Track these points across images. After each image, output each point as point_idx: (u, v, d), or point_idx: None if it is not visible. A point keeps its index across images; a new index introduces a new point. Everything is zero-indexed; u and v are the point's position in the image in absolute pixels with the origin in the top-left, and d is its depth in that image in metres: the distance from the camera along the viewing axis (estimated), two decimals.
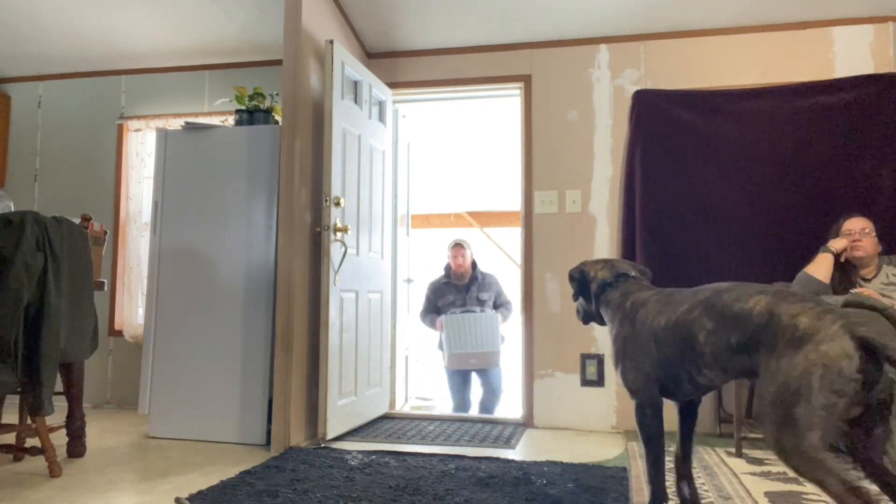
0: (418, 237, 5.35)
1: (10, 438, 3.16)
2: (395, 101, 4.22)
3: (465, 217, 7.29)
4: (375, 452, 3.03)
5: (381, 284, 3.91)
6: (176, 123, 4.35)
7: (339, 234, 3.31)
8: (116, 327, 4.48)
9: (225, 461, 2.92)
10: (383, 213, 3.96)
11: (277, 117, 3.65)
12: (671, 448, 3.09)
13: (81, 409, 3.01)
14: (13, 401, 3.54)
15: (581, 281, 2.35)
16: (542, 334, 3.84)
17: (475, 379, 4.87)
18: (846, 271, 3.12)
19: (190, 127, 3.59)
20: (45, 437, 2.63)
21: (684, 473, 2.17)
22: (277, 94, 3.66)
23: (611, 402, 3.71)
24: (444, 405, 5.22)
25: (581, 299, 2.38)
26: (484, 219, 7.27)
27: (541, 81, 3.98)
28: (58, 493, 2.42)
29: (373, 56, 4.20)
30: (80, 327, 2.84)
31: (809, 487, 2.48)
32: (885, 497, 1.61)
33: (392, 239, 4.21)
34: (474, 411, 4.79)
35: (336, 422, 3.27)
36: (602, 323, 2.35)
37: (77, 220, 3.01)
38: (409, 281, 4.68)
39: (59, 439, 3.01)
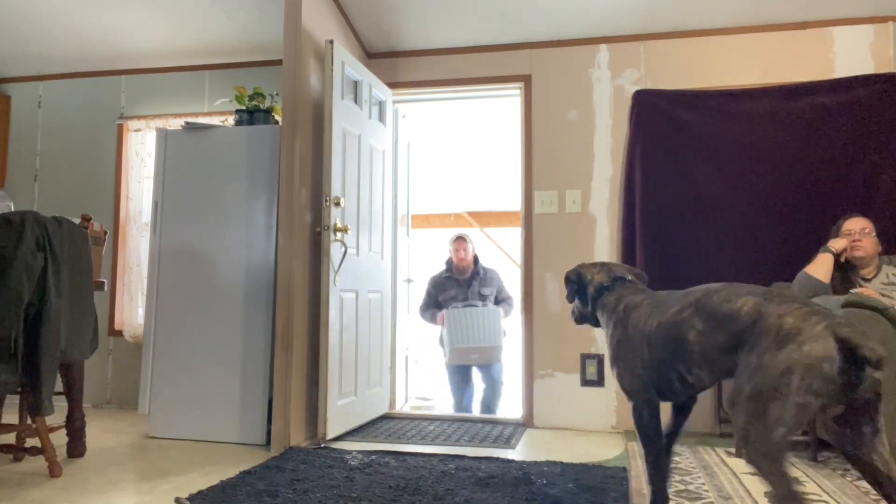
0: (418, 237, 5.35)
1: (10, 438, 3.16)
2: (395, 101, 4.22)
3: (465, 217, 7.29)
4: (375, 452, 3.03)
5: (381, 284, 3.91)
6: (176, 123, 4.35)
7: (339, 234, 3.31)
8: (116, 327, 4.48)
9: (225, 461, 2.92)
10: (383, 213, 3.96)
11: (277, 117, 3.65)
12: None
13: (81, 409, 3.02)
14: (13, 401, 3.54)
15: (578, 284, 2.38)
16: (542, 334, 3.84)
17: (476, 375, 4.84)
18: (846, 271, 3.12)
19: (190, 127, 3.59)
20: (45, 437, 2.63)
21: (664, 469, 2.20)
22: (277, 94, 3.66)
23: (611, 402, 3.71)
24: (444, 405, 5.21)
25: (577, 301, 2.41)
26: (484, 219, 7.27)
27: (541, 81, 3.98)
28: (58, 493, 2.42)
29: (373, 56, 4.20)
30: (80, 327, 2.84)
31: (809, 487, 2.48)
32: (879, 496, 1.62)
33: (392, 239, 4.21)
34: (475, 410, 4.78)
35: (336, 422, 3.27)
36: (596, 325, 2.38)
37: (77, 220, 3.01)
38: (409, 281, 4.68)
39: (59, 439, 3.01)
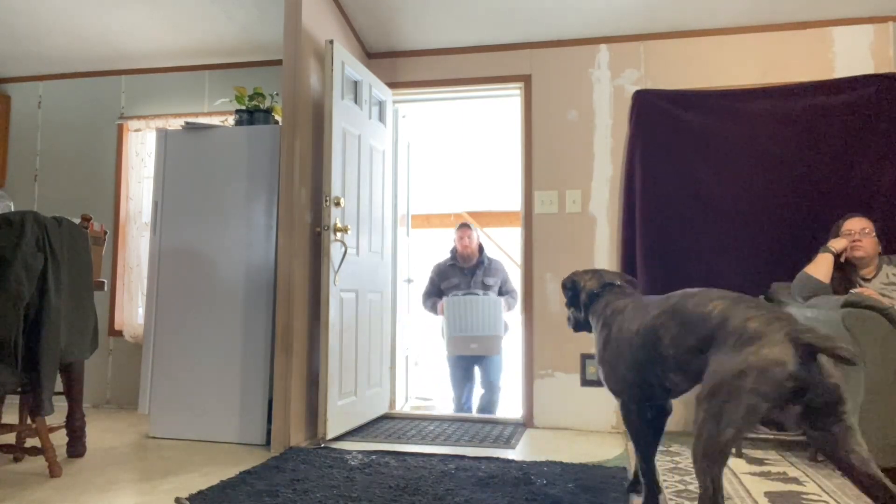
0: (418, 237, 5.35)
1: (10, 438, 3.16)
2: (395, 101, 4.22)
3: (464, 217, 7.28)
4: (375, 452, 3.03)
5: (381, 284, 3.91)
6: (176, 123, 4.35)
7: (339, 234, 3.31)
8: (116, 327, 4.48)
9: (225, 461, 2.92)
10: (383, 213, 3.96)
11: (277, 117, 3.65)
12: (671, 448, 3.10)
13: (81, 409, 3.02)
14: (13, 401, 3.54)
15: (573, 291, 2.46)
16: (542, 334, 3.84)
17: (476, 375, 4.81)
18: (846, 271, 3.12)
19: (190, 127, 3.59)
20: (45, 437, 2.63)
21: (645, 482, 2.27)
22: (277, 94, 3.66)
23: (611, 402, 3.71)
24: (444, 405, 5.21)
25: (573, 308, 2.49)
26: (484, 219, 7.27)
27: (541, 81, 3.98)
28: (58, 493, 2.42)
29: (373, 56, 4.20)
30: (80, 327, 2.84)
31: (809, 487, 2.48)
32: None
33: (392, 239, 4.21)
34: (474, 410, 4.76)
35: (336, 422, 3.27)
36: (591, 330, 2.45)
37: (77, 220, 3.01)
38: (409, 281, 4.68)
39: (59, 439, 3.01)
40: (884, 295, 2.96)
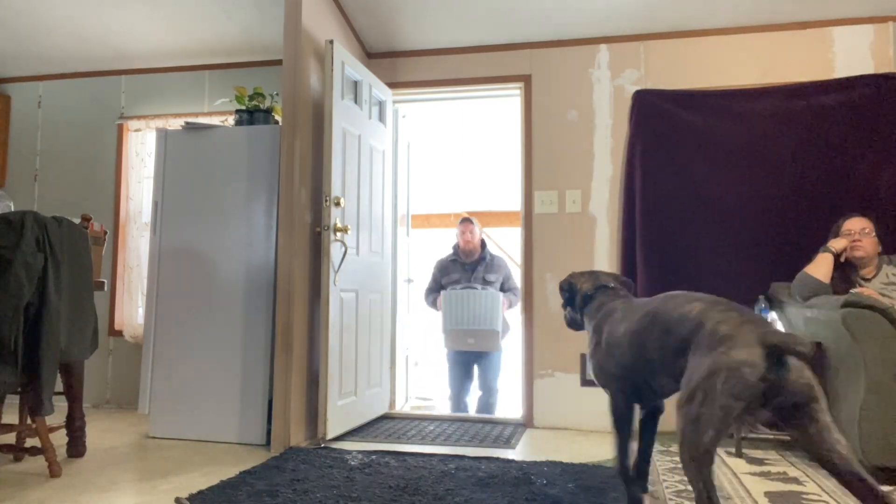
0: (418, 237, 5.35)
1: (10, 438, 3.16)
2: (395, 101, 4.22)
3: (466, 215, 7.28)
4: (375, 452, 3.03)
5: (381, 284, 3.91)
6: (176, 123, 4.35)
7: (339, 234, 3.31)
8: (116, 327, 4.48)
9: (225, 461, 2.92)
10: (383, 213, 3.96)
11: (277, 117, 3.65)
12: (672, 448, 3.10)
13: (81, 409, 3.02)
14: (13, 401, 3.53)
15: (569, 292, 2.52)
16: (542, 334, 3.84)
17: (473, 383, 4.76)
18: (846, 271, 3.12)
19: (190, 127, 3.59)
20: (45, 437, 2.63)
21: (641, 475, 2.31)
22: (277, 94, 3.66)
23: None
24: (443, 405, 5.21)
25: (569, 308, 2.55)
26: (484, 219, 7.24)
27: (541, 81, 3.98)
28: (58, 493, 2.42)
29: (373, 56, 4.20)
30: (80, 327, 2.84)
31: (809, 487, 2.48)
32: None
33: (392, 239, 4.21)
34: (471, 410, 4.74)
35: (336, 422, 3.27)
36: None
37: (77, 220, 3.01)
38: (409, 281, 4.67)
39: (59, 439, 3.01)
40: (884, 295, 2.96)
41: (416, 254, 4.93)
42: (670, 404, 2.36)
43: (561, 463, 2.86)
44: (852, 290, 2.98)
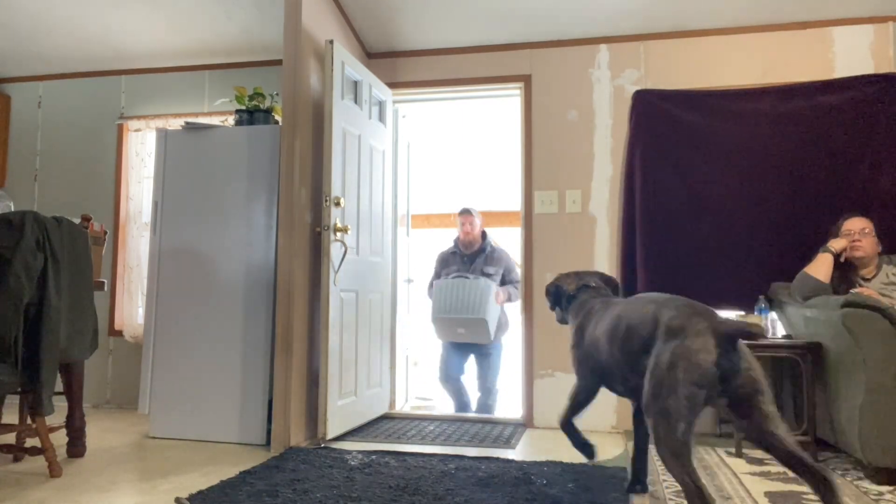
0: (418, 237, 5.34)
1: (10, 438, 3.16)
2: (395, 101, 4.22)
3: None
4: (375, 452, 3.03)
5: (381, 284, 3.91)
6: (176, 123, 4.35)
7: (339, 234, 3.31)
8: (116, 327, 4.48)
9: (225, 461, 2.92)
10: (383, 213, 3.96)
11: (277, 117, 3.65)
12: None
13: (81, 409, 3.01)
14: (13, 401, 3.53)
15: (556, 293, 2.62)
16: (542, 334, 3.84)
17: (472, 384, 4.69)
18: (846, 271, 3.12)
19: (190, 127, 3.59)
20: (45, 437, 2.63)
21: (639, 474, 2.41)
22: (277, 94, 3.66)
23: (611, 402, 3.71)
24: (444, 405, 5.20)
25: (557, 308, 2.65)
26: (484, 219, 7.25)
27: (541, 81, 3.98)
28: (58, 493, 2.42)
29: (373, 56, 4.20)
30: (80, 327, 2.84)
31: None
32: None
33: (392, 239, 4.21)
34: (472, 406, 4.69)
35: (336, 422, 3.27)
36: None
37: (77, 220, 3.01)
38: (409, 281, 4.66)
39: (59, 439, 3.01)
40: (884, 295, 2.96)
41: (416, 254, 4.92)
42: None
43: (561, 463, 2.87)
44: (852, 290, 2.98)
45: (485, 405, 4.62)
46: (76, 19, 4.07)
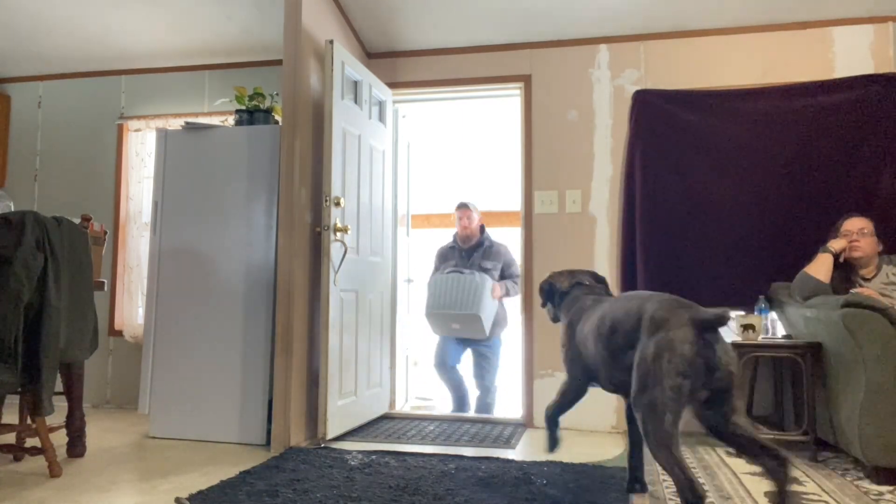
0: (418, 237, 5.34)
1: (10, 438, 3.16)
2: (395, 101, 4.22)
3: None
4: (375, 452, 3.03)
5: (381, 284, 3.91)
6: (176, 123, 4.35)
7: (339, 234, 3.31)
8: (116, 327, 4.48)
9: (225, 461, 2.92)
10: (383, 213, 3.96)
11: (277, 117, 3.65)
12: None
13: (81, 409, 3.02)
14: (13, 401, 3.53)
15: (549, 291, 2.65)
16: (542, 334, 3.84)
17: (470, 383, 4.65)
18: (846, 271, 3.13)
19: (190, 127, 3.59)
20: (45, 437, 2.63)
21: (637, 475, 2.42)
22: (277, 94, 3.66)
23: (611, 402, 3.70)
24: (444, 405, 5.20)
25: (549, 305, 2.69)
26: (484, 219, 7.24)
27: (541, 81, 3.98)
28: (58, 493, 2.42)
29: (373, 56, 4.20)
30: (80, 327, 2.84)
31: (809, 487, 2.48)
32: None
33: (392, 239, 4.21)
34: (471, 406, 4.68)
35: (336, 422, 3.27)
36: None
37: (77, 220, 3.01)
38: (409, 281, 4.66)
39: (59, 439, 3.00)
40: (884, 295, 2.96)
41: (416, 254, 4.92)
42: None
43: (561, 463, 2.86)
44: (852, 290, 2.98)
45: (484, 404, 4.61)
46: (76, 19, 4.07)
